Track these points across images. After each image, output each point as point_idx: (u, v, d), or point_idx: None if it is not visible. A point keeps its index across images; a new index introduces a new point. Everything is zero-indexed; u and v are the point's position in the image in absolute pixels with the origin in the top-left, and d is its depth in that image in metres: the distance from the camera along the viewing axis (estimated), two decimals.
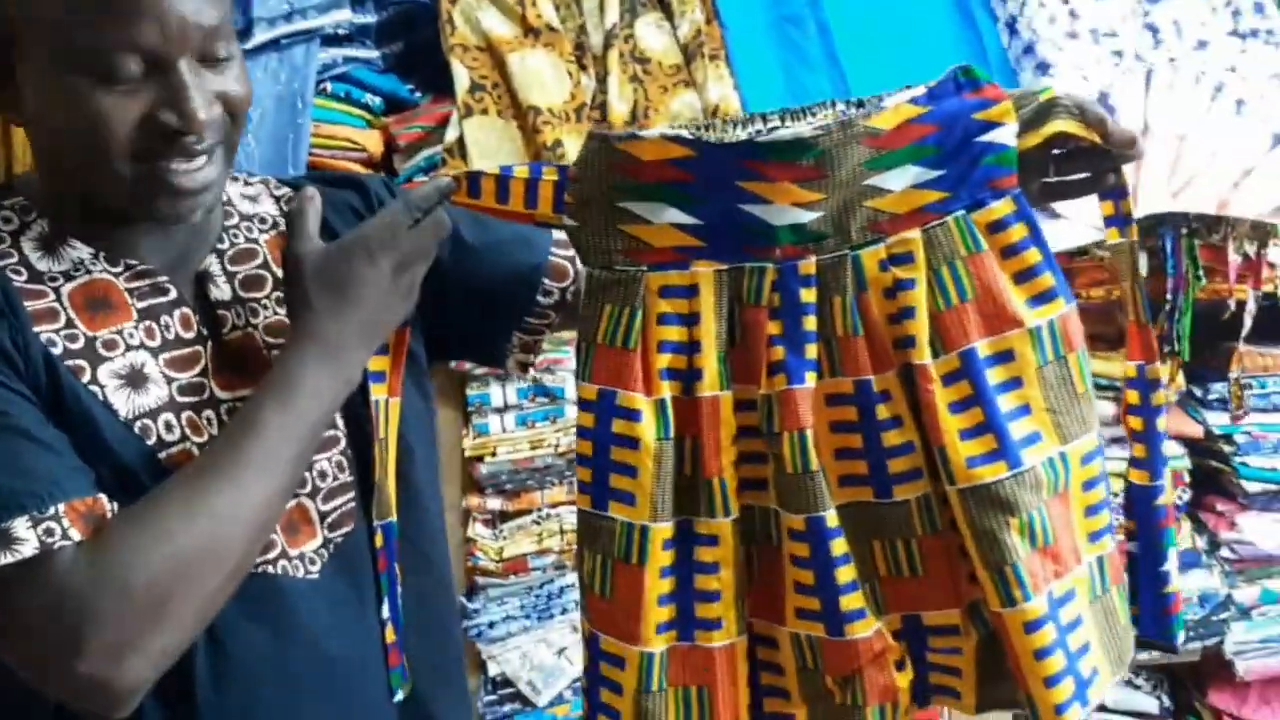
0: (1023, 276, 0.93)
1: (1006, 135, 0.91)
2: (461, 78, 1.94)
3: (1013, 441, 0.91)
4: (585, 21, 2.00)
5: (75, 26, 0.83)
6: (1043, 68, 2.00)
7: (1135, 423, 0.99)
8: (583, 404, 0.96)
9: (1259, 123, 2.04)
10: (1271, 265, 2.15)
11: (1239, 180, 2.01)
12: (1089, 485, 0.96)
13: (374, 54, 2.05)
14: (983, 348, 0.92)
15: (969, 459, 0.91)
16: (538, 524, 2.07)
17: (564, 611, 2.09)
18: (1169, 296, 2.10)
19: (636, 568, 0.94)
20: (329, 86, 1.96)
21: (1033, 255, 0.93)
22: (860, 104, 0.95)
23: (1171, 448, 2.26)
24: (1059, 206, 1.82)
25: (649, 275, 0.94)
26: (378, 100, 2.01)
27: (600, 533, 0.96)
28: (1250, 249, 2.11)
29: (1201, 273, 2.11)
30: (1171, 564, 1.00)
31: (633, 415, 0.93)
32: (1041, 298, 0.93)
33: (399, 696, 1.03)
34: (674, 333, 0.95)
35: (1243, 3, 2.09)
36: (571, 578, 2.09)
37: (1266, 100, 2.04)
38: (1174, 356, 2.17)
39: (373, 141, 1.98)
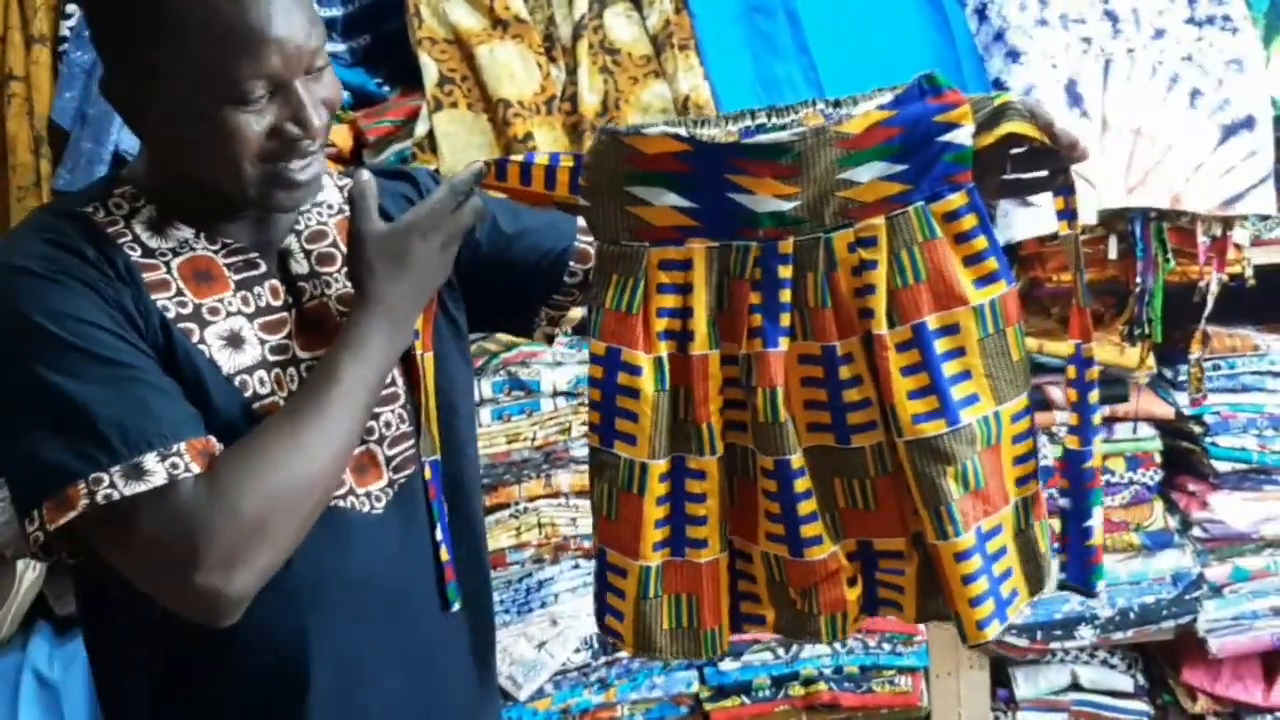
0: (971, 260, 1.07)
1: (963, 136, 1.04)
2: (430, 71, 1.93)
3: (953, 402, 1.07)
4: (554, 13, 1.99)
5: (215, 63, 0.97)
6: (1013, 55, 2.01)
7: (1072, 395, 1.14)
8: (593, 358, 1.11)
9: (1209, 117, 2.05)
10: (1238, 247, 2.16)
11: (1190, 175, 2.03)
12: (1019, 439, 1.11)
13: (341, 47, 2.05)
14: (932, 321, 1.06)
15: (914, 416, 1.06)
16: (515, 518, 2.07)
17: (543, 605, 2.09)
18: (1139, 279, 2.12)
19: (637, 496, 1.11)
20: None
21: (981, 242, 1.07)
22: (837, 103, 1.08)
23: (1143, 429, 2.28)
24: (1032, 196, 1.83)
25: (650, 250, 1.09)
26: (345, 94, 1.99)
27: (607, 467, 1.13)
28: (1217, 232, 2.12)
29: (1170, 255, 2.13)
30: (1095, 520, 1.14)
31: (635, 370, 1.09)
32: (986, 279, 1.07)
33: (455, 608, 1.18)
34: (671, 300, 1.10)
35: None
36: (550, 571, 2.09)
37: (1223, 87, 2.06)
38: (1145, 339, 2.19)
39: (341, 136, 1.97)
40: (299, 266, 1.13)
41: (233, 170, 1.01)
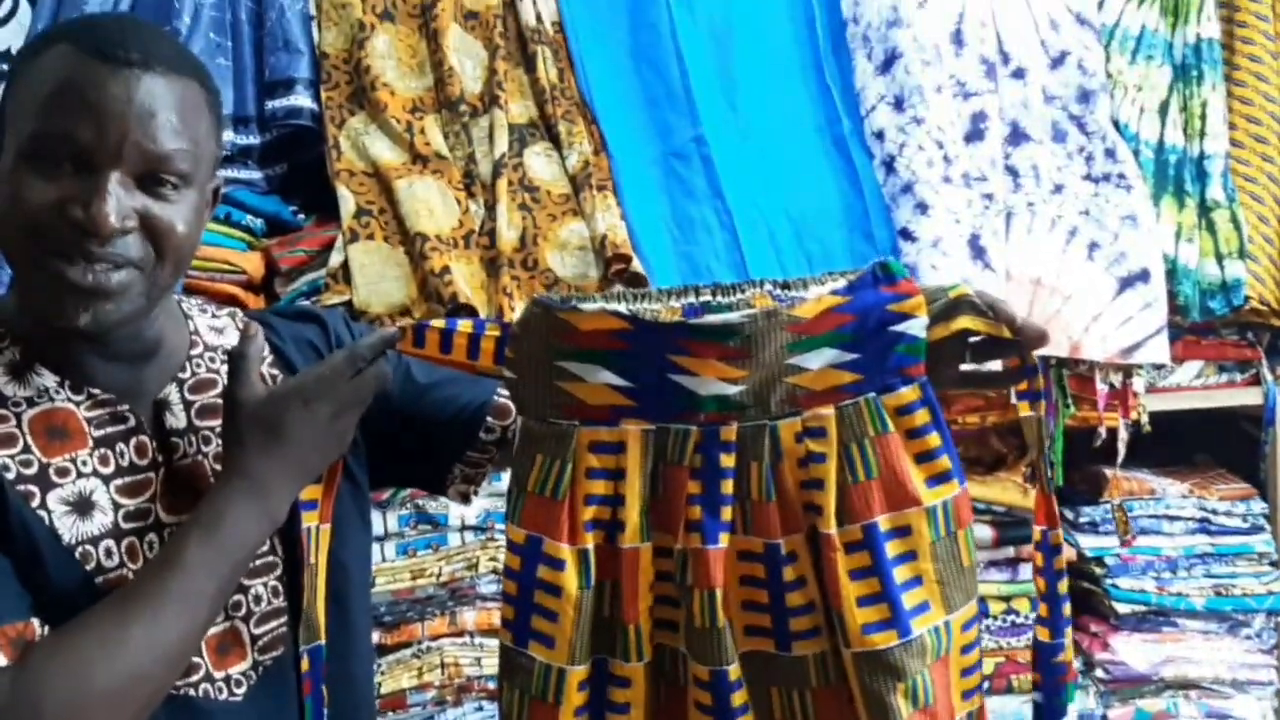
0: (923, 458, 1.01)
1: (917, 327, 1.00)
2: (347, 203, 1.92)
3: (905, 611, 0.99)
4: (474, 150, 2.00)
5: (28, 115, 0.90)
6: (921, 207, 2.07)
7: (1040, 584, 1.07)
8: (511, 545, 1.01)
9: (1106, 269, 2.14)
10: (1136, 394, 2.24)
11: (1089, 324, 2.11)
12: (966, 649, 1.04)
13: (257, 175, 2.03)
14: (883, 522, 0.99)
15: (864, 625, 0.98)
16: (418, 658, 2.00)
17: None
18: None
19: (552, 707, 1.01)
20: None
21: (934, 439, 1.01)
22: (786, 285, 1.02)
23: None
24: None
25: (581, 430, 1.01)
26: (259, 222, 1.98)
27: (519, 670, 1.02)
28: (1116, 380, 2.20)
29: (1070, 401, 2.19)
30: (1071, 717, 1.08)
31: (557, 564, 1.00)
32: (939, 478, 1.01)
33: None
34: (601, 486, 1.01)
35: (1095, 148, 2.21)
36: (453, 714, 2.02)
37: (1119, 241, 2.15)
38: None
39: (253, 264, 1.94)
40: (175, 420, 1.03)
41: (19, 253, 0.92)
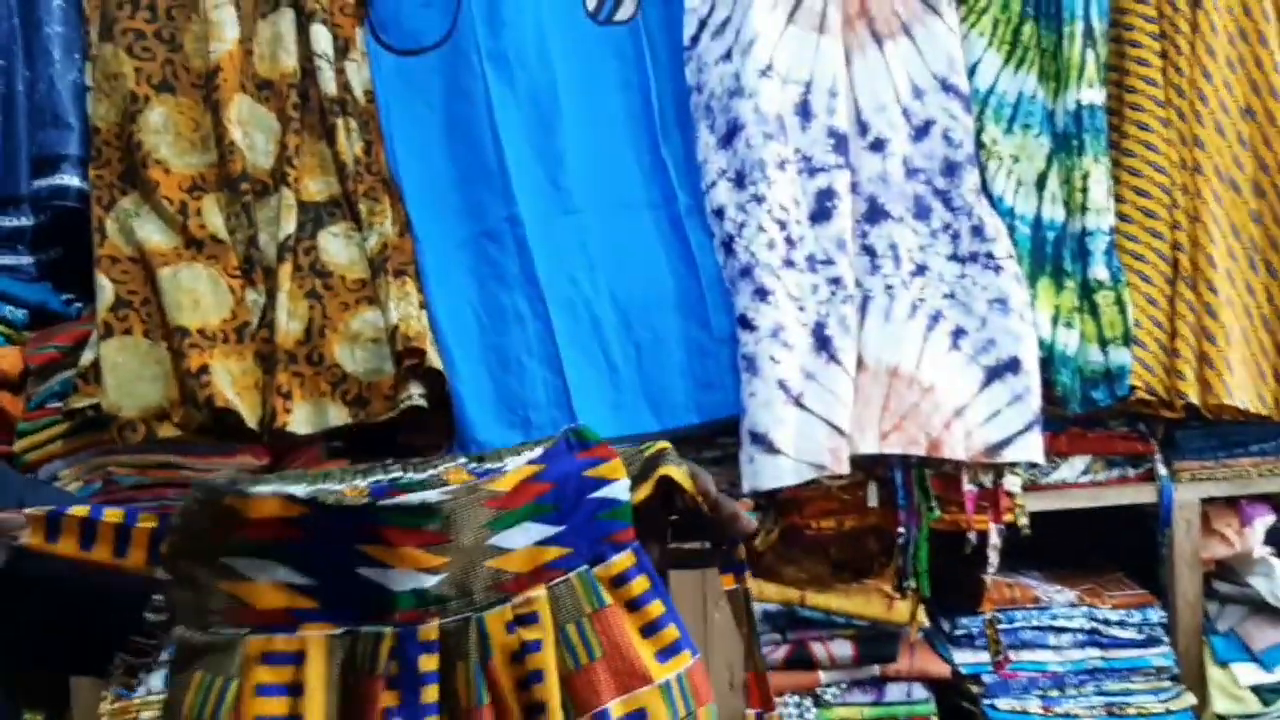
0: (648, 630, 0.95)
1: (619, 490, 0.95)
2: (105, 293, 1.73)
3: None
4: (257, 232, 1.81)
5: None
6: (761, 293, 1.88)
7: None
8: None
9: (973, 357, 1.94)
10: (1010, 495, 2.03)
11: (950, 420, 1.90)
12: None
13: (26, 260, 1.85)
14: (615, 708, 0.92)
15: None
16: None
17: None
18: (901, 529, 1.97)
19: None
20: None
21: (656, 608, 0.95)
22: (480, 458, 0.95)
23: (917, 690, 2.09)
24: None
25: (250, 639, 0.89)
26: (20, 313, 1.80)
27: None
28: (986, 479, 1.99)
29: (934, 504, 1.98)
30: None
31: None
32: (668, 651, 0.95)
33: None
34: (274, 705, 0.89)
35: (962, 225, 2.02)
36: None
37: (987, 327, 1.95)
38: (914, 593, 2.02)
39: (10, 361, 1.76)
40: None
41: None
